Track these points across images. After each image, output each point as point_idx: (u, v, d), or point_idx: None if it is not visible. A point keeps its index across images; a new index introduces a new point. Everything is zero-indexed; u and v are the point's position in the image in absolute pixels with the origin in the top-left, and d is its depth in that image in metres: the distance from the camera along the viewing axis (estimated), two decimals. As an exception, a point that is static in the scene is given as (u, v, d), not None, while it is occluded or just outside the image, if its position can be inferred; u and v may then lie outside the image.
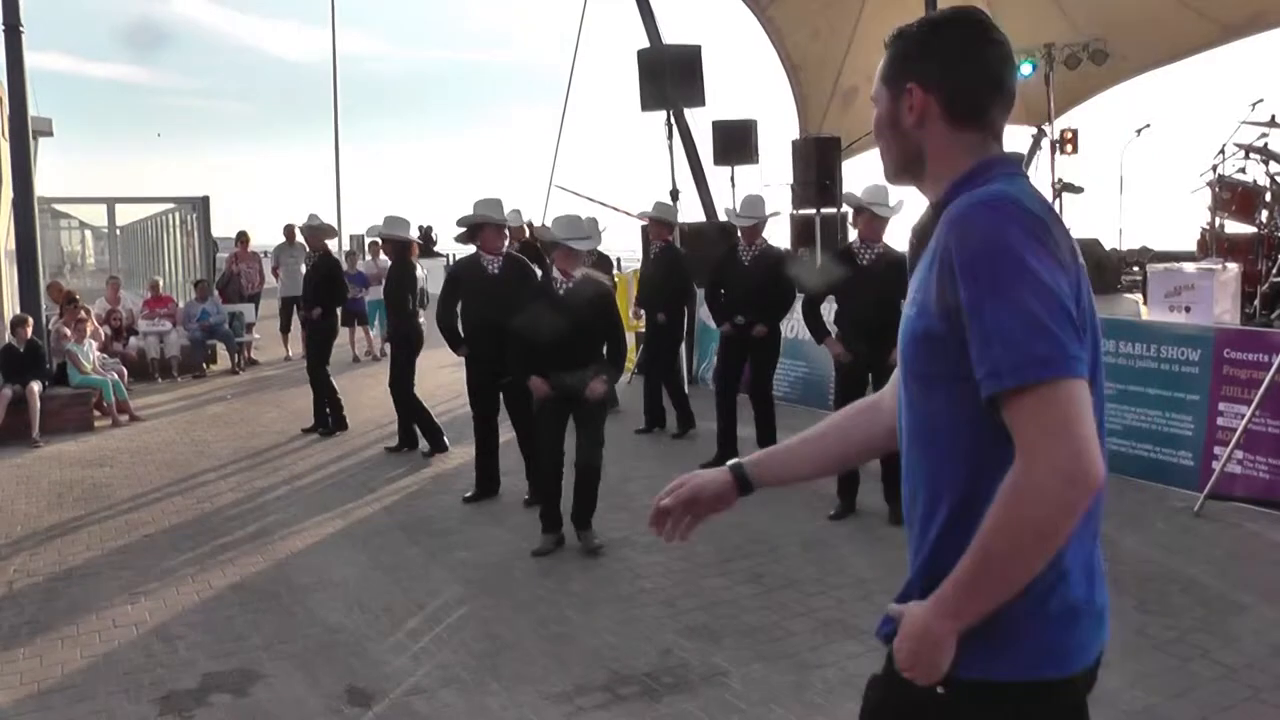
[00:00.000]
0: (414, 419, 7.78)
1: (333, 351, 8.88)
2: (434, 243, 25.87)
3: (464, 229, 6.42)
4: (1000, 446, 1.30)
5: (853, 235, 6.93)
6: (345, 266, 11.18)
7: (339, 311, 8.99)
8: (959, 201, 1.40)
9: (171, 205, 16.71)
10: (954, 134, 1.49)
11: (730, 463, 1.79)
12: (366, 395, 10.06)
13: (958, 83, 1.48)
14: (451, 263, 26.12)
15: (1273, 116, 10.90)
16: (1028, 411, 1.25)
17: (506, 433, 6.55)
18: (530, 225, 10.32)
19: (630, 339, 12.04)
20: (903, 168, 1.57)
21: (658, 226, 8.40)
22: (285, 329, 14.08)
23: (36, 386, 8.86)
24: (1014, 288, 1.27)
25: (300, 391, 9.45)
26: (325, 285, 8.60)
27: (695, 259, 8.67)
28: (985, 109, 1.49)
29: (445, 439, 7.71)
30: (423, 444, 7.76)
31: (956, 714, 1.40)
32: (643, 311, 9.06)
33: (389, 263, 8.26)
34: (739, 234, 7.23)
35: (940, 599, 1.35)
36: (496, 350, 5.82)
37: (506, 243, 6.67)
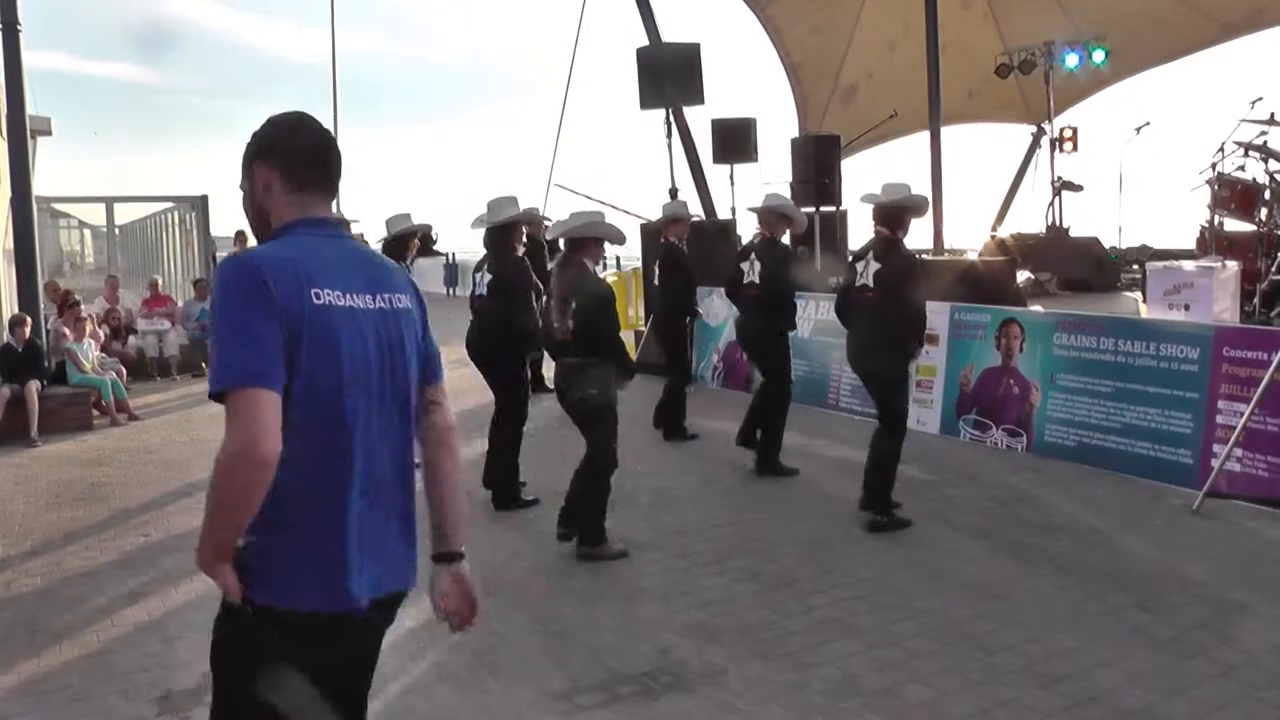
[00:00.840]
0: None
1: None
2: (434, 242, 25.86)
3: (488, 230, 6.42)
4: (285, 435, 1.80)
5: (855, 237, 6.83)
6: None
7: None
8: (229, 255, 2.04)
9: (170, 204, 16.69)
10: (286, 197, 2.04)
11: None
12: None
13: (285, 160, 2.03)
14: (453, 261, 26.15)
15: (1272, 114, 10.89)
16: (227, 407, 1.81)
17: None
18: (544, 220, 10.23)
19: (630, 337, 12.09)
20: (257, 229, 2.11)
21: (675, 226, 8.27)
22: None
23: (35, 386, 8.86)
24: (221, 323, 1.84)
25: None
26: None
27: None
28: (304, 179, 2.04)
29: None
30: None
31: (247, 625, 1.90)
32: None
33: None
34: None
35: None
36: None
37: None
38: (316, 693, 2.08)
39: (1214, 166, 11.08)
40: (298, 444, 1.83)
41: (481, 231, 6.46)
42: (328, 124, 2.16)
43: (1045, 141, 17.10)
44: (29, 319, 9.20)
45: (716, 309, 10.19)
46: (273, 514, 1.84)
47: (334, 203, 2.12)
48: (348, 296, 1.94)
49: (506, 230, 6.34)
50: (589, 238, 5.33)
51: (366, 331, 1.96)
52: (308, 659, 1.94)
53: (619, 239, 5.67)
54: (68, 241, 19.88)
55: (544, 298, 6.44)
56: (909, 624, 4.24)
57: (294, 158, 2.04)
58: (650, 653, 4.03)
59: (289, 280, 1.86)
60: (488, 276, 6.44)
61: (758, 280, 6.94)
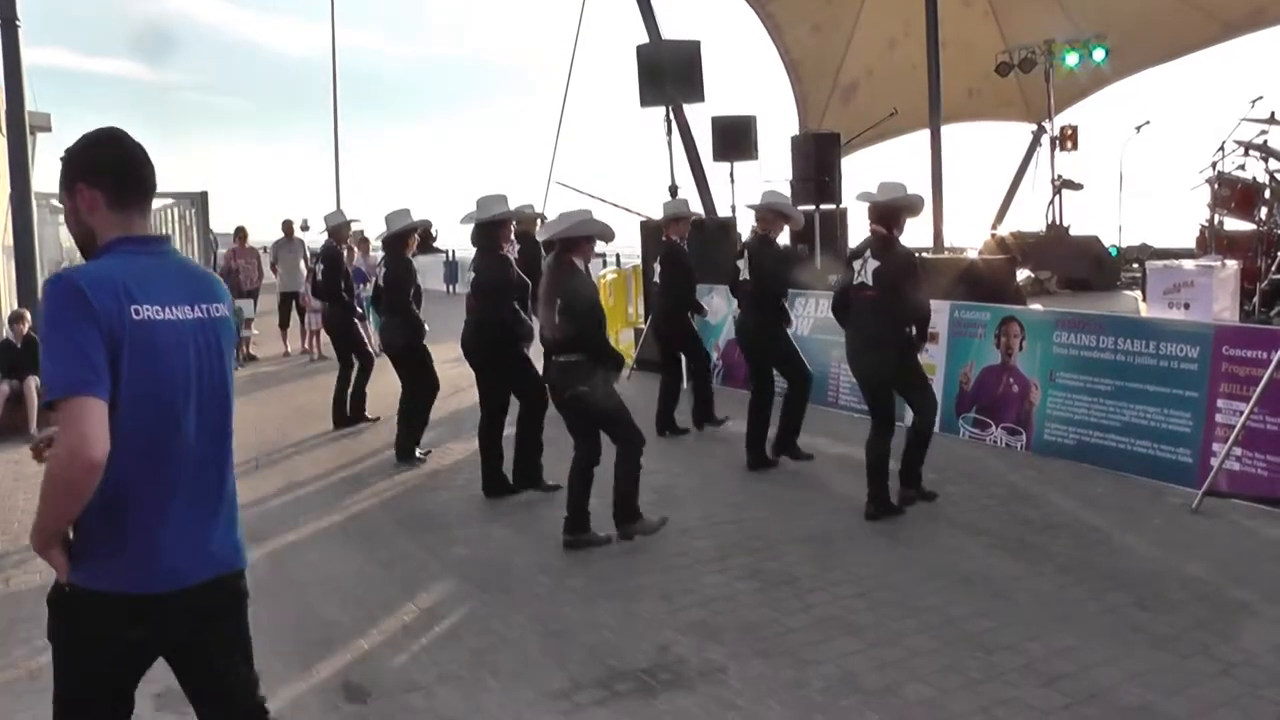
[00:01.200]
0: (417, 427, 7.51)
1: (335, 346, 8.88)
2: (434, 239, 25.84)
3: (476, 226, 6.41)
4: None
5: (856, 235, 6.85)
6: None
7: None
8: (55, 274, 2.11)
9: (170, 200, 16.71)
10: (110, 216, 2.15)
11: None
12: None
13: (109, 181, 2.14)
14: (452, 258, 26.16)
15: (1272, 113, 10.87)
16: (57, 414, 1.94)
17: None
18: (542, 218, 10.23)
19: (629, 335, 12.08)
20: (82, 247, 2.20)
21: (677, 225, 8.27)
22: (284, 324, 14.07)
23: (34, 382, 8.85)
24: (47, 338, 1.97)
25: (299, 387, 9.45)
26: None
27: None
28: (126, 199, 2.16)
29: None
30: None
31: (73, 605, 2.11)
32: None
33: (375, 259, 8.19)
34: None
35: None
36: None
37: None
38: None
39: (1214, 165, 11.06)
40: (121, 449, 1.98)
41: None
42: (328, 122, 2.20)
43: (1045, 140, 17.07)
44: (28, 314, 9.21)
45: (716, 306, 10.20)
46: (99, 512, 2.03)
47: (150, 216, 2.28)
48: (167, 310, 2.10)
49: (493, 227, 6.35)
50: (580, 237, 5.41)
51: (186, 341, 2.13)
52: (133, 638, 2.13)
53: (609, 236, 5.73)
54: (67, 237, 19.91)
55: (530, 289, 6.44)
56: (909, 622, 4.24)
57: (117, 178, 2.16)
58: (650, 651, 4.03)
59: (108, 296, 2.01)
60: (472, 275, 6.47)
61: (749, 277, 7.00)
